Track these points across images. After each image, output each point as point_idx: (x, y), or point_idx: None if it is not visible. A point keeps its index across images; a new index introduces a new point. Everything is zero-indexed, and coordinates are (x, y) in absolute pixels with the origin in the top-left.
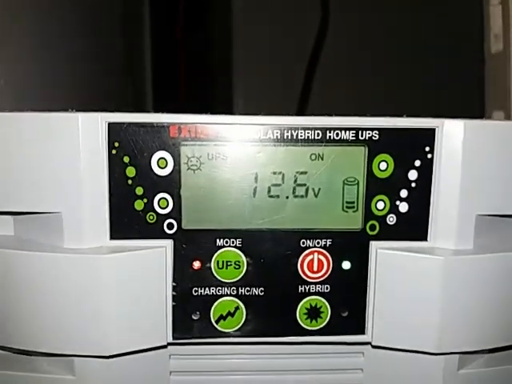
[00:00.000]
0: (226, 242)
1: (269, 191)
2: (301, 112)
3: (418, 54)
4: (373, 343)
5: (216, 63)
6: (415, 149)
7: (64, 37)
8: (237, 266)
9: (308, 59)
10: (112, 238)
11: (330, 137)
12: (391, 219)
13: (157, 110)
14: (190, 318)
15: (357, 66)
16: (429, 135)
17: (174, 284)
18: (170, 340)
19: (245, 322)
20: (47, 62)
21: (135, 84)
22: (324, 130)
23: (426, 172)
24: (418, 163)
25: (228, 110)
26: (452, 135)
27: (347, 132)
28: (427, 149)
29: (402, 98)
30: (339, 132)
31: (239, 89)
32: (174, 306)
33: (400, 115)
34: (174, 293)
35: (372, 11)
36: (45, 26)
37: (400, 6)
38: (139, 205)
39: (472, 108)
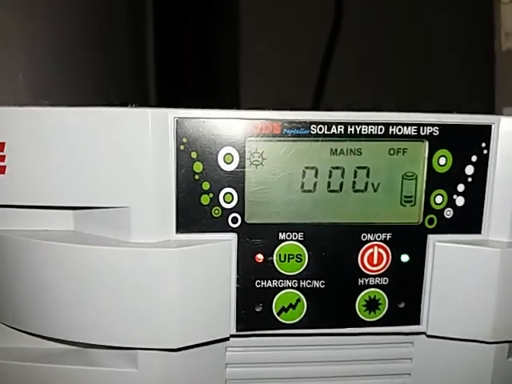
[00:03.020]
0: (288, 236)
1: (329, 186)
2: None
3: (429, 52)
4: (428, 333)
5: (223, 63)
6: (472, 144)
7: (72, 35)
8: (298, 259)
9: (319, 57)
10: (178, 231)
11: (392, 132)
12: (448, 213)
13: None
14: (253, 310)
15: (368, 62)
16: (485, 131)
17: (238, 276)
18: (234, 332)
19: (305, 313)
20: (60, 58)
21: (139, 80)
22: (387, 125)
23: (482, 167)
24: (474, 158)
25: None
26: (508, 132)
27: (409, 127)
28: (483, 144)
29: (414, 94)
30: (401, 127)
31: (247, 89)
32: (237, 299)
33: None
34: (238, 285)
35: (384, 10)
36: (56, 23)
37: (412, 4)
38: (205, 199)
39: (482, 105)
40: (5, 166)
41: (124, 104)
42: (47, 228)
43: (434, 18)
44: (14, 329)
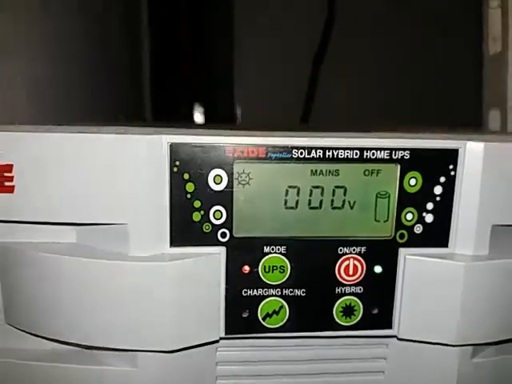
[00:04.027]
0: (273, 249)
1: (309, 203)
2: (306, 110)
3: (418, 55)
4: (399, 336)
5: (218, 62)
6: (441, 167)
7: (69, 37)
8: (281, 270)
9: (313, 55)
10: (172, 245)
11: (366, 156)
12: (418, 229)
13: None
14: (241, 316)
15: (358, 65)
16: (453, 155)
17: (227, 286)
18: (223, 335)
19: (288, 319)
20: (58, 60)
21: (135, 80)
22: (362, 149)
23: (450, 187)
24: (442, 179)
25: (229, 107)
26: (473, 155)
27: (382, 152)
28: (451, 166)
29: (403, 97)
30: (375, 152)
31: (240, 88)
32: (226, 306)
33: (402, 115)
34: (227, 294)
35: (373, 14)
36: (54, 25)
37: (400, 8)
38: (197, 216)
39: (470, 107)
40: (13, 186)
41: (117, 114)
42: (52, 240)
43: (423, 22)
44: (22, 331)
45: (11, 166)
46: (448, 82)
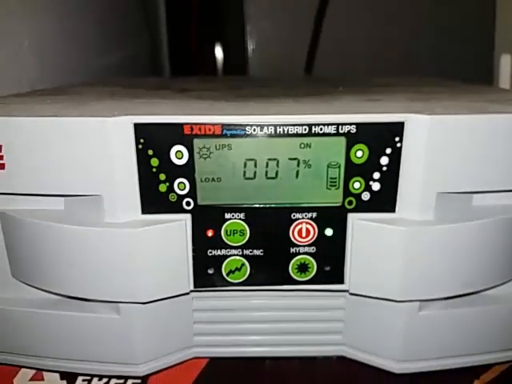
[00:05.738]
0: (233, 216)
1: (266, 174)
2: (310, 61)
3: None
4: (350, 291)
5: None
6: (387, 139)
7: None
8: (241, 234)
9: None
10: (143, 213)
11: (315, 131)
12: (365, 196)
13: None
14: (207, 273)
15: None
16: (398, 128)
17: (194, 247)
18: (192, 288)
19: (249, 275)
20: (65, 18)
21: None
22: (310, 125)
23: (396, 158)
24: (388, 151)
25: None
26: (418, 127)
27: (329, 127)
28: (397, 139)
29: (416, 41)
30: (323, 127)
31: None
32: (193, 264)
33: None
34: (194, 254)
35: None
36: None
37: None
38: (163, 187)
39: (482, 52)
40: (4, 164)
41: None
42: (44, 207)
43: None
44: (23, 283)
45: (0, 146)
46: (461, 28)
